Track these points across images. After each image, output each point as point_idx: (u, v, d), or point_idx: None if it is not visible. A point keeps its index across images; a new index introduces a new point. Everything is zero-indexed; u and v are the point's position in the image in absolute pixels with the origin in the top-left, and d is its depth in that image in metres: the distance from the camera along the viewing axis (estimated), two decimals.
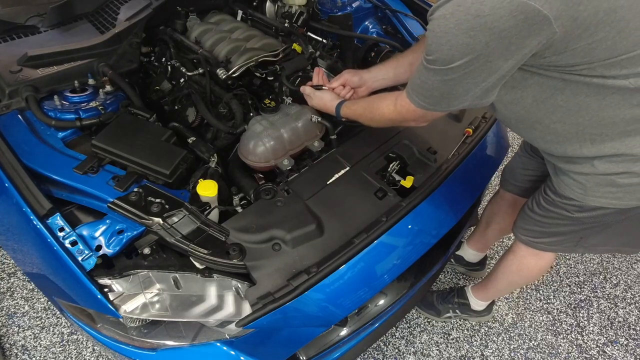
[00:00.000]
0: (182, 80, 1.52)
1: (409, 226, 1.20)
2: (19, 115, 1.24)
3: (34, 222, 1.01)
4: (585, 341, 1.88)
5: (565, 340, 1.88)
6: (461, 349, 1.83)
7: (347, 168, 1.26)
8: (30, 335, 1.79)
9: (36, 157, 1.13)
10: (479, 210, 2.01)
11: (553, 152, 1.06)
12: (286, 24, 1.68)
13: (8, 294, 1.92)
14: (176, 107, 1.53)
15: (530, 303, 2.00)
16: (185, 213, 1.06)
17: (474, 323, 1.91)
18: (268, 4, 1.82)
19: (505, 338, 1.87)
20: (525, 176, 1.48)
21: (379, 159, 1.30)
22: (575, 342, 1.87)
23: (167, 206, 1.06)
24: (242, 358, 1.11)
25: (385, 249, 1.15)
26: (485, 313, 1.86)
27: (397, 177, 1.27)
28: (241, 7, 1.80)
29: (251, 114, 1.41)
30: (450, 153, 1.35)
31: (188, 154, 1.20)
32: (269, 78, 1.53)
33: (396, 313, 1.53)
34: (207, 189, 1.09)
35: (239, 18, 1.79)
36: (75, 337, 1.79)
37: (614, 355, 1.84)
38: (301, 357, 1.34)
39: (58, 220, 1.03)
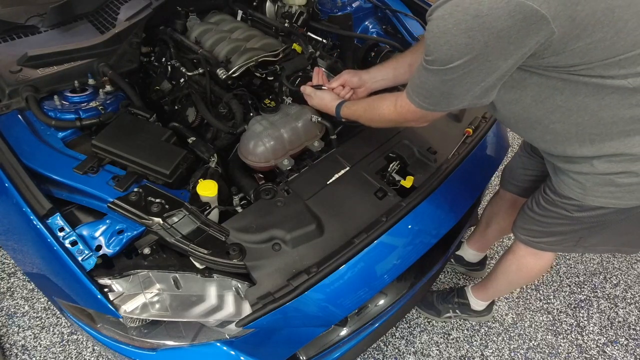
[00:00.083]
0: (182, 80, 1.52)
1: (409, 226, 1.20)
2: (19, 115, 1.24)
3: (34, 222, 1.01)
4: (585, 341, 1.88)
5: (565, 340, 1.88)
6: (461, 349, 1.83)
7: (347, 168, 1.26)
8: (30, 335, 1.79)
9: (36, 157, 1.13)
10: (479, 210, 2.01)
11: (552, 152, 1.06)
12: (286, 24, 1.68)
13: (8, 294, 1.92)
14: (176, 107, 1.53)
15: (530, 303, 2.00)
16: (185, 213, 1.06)
17: (474, 323, 1.92)
18: (268, 4, 1.82)
19: (505, 338, 1.87)
20: (525, 176, 1.48)
21: (379, 159, 1.30)
22: (575, 342, 1.87)
23: (167, 206, 1.06)
24: (242, 358, 1.11)
25: (385, 249, 1.15)
26: (485, 313, 1.86)
27: (397, 177, 1.27)
28: (241, 7, 1.80)
29: (251, 114, 1.41)
30: (450, 153, 1.35)
31: (188, 154, 1.20)
32: (269, 78, 1.53)
33: (396, 313, 1.53)
34: (207, 189, 1.09)
35: (239, 18, 1.79)
36: (75, 337, 1.79)
37: (614, 355, 1.84)
38: (301, 357, 1.34)
39: (58, 220, 1.03)
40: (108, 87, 1.36)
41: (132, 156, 1.14)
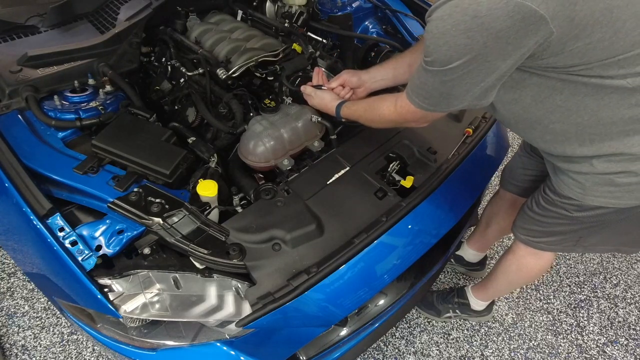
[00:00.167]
0: (182, 80, 1.52)
1: (409, 226, 1.20)
2: (19, 115, 1.24)
3: (34, 222, 1.01)
4: (585, 341, 1.88)
5: (565, 340, 1.88)
6: (461, 349, 1.83)
7: (347, 168, 1.26)
8: (30, 335, 1.79)
9: (36, 157, 1.13)
10: (479, 210, 2.01)
11: (552, 152, 1.06)
12: (286, 24, 1.68)
13: (8, 294, 1.92)
14: (176, 107, 1.53)
15: (530, 303, 2.00)
16: (185, 213, 1.06)
17: (474, 323, 1.92)
18: (268, 4, 1.82)
19: (505, 338, 1.88)
20: (524, 176, 1.48)
21: (379, 159, 1.30)
22: (575, 342, 1.87)
23: (167, 206, 1.06)
24: (242, 358, 1.11)
25: (385, 249, 1.15)
26: (485, 313, 1.86)
27: (397, 177, 1.27)
28: (241, 7, 1.80)
29: (251, 114, 1.41)
30: (450, 153, 1.35)
31: (188, 154, 1.20)
32: (269, 78, 1.53)
33: (396, 313, 1.53)
34: (207, 189, 1.09)
35: (239, 18, 1.79)
36: (75, 337, 1.79)
37: (614, 355, 1.84)
38: (301, 357, 1.34)
39: (58, 220, 1.03)
40: (108, 87, 1.36)
41: (132, 156, 1.14)
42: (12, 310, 1.87)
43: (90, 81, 1.37)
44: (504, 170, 1.60)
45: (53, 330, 1.81)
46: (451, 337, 1.87)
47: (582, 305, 2.01)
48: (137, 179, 1.12)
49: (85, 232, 1.04)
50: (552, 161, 1.11)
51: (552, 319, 1.95)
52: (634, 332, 1.92)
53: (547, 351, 1.84)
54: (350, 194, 1.20)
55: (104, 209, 1.07)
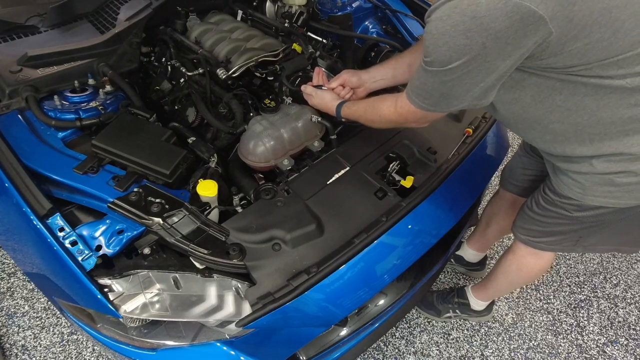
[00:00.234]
0: (182, 80, 1.52)
1: (409, 226, 1.20)
2: (19, 115, 1.24)
3: (34, 222, 1.01)
4: (585, 341, 1.88)
5: (565, 340, 1.88)
6: (461, 349, 1.83)
7: (347, 168, 1.26)
8: (30, 335, 1.79)
9: (36, 157, 1.13)
10: (479, 210, 2.01)
11: (552, 152, 1.06)
12: (286, 24, 1.68)
13: (8, 294, 1.92)
14: (176, 107, 1.53)
15: (530, 303, 2.00)
16: (185, 213, 1.06)
17: (474, 323, 1.92)
18: (268, 4, 1.82)
19: (505, 338, 1.88)
20: (524, 176, 1.48)
21: (379, 159, 1.30)
22: (575, 342, 1.88)
23: (167, 206, 1.06)
24: (242, 358, 1.11)
25: (385, 249, 1.15)
26: (485, 313, 1.86)
27: (397, 177, 1.27)
28: (241, 7, 1.80)
29: (251, 114, 1.41)
30: (450, 153, 1.35)
31: (188, 154, 1.20)
32: (269, 78, 1.53)
33: (396, 313, 1.53)
34: (207, 189, 1.09)
35: (239, 18, 1.79)
36: (75, 337, 1.79)
37: (614, 355, 1.84)
38: (301, 357, 1.34)
39: (58, 220, 1.03)
40: (108, 87, 1.36)
41: (132, 156, 1.14)
42: (12, 310, 1.87)
43: (90, 81, 1.38)
44: (503, 170, 1.60)
45: (53, 330, 1.81)
46: (451, 337, 1.87)
47: (582, 305, 2.01)
48: (137, 179, 1.12)
49: (85, 232, 1.04)
50: (552, 161, 1.11)
51: (552, 319, 1.95)
52: (634, 332, 1.92)
53: (547, 351, 1.84)
54: (350, 194, 1.20)
55: (104, 209, 1.07)
